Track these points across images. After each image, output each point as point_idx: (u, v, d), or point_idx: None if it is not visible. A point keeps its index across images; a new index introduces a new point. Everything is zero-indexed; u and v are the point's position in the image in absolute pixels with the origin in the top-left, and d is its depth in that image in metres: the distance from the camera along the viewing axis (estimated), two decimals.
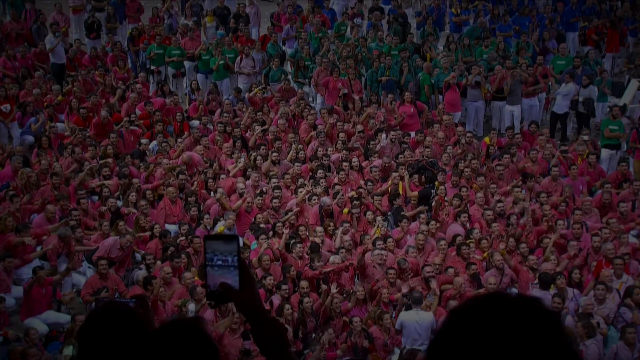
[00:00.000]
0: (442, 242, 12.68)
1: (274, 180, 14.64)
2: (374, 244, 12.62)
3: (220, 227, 13.23)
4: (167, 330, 2.35)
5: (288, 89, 18.85)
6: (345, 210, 13.91)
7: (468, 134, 16.75)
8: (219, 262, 2.52)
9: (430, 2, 23.12)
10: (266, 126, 16.81)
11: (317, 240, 12.77)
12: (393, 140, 16.51)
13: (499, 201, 14.18)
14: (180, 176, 14.58)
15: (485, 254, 12.72)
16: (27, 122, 16.90)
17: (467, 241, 12.87)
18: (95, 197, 14.46)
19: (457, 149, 16.19)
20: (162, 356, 2.27)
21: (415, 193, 14.65)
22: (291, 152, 15.91)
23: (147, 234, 13.17)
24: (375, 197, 14.49)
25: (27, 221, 13.05)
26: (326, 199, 14.03)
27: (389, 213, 14.40)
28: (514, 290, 12.28)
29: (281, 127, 16.68)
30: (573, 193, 14.72)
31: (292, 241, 12.76)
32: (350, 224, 13.49)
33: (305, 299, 11.32)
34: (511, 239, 12.87)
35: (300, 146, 16.13)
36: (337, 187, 14.48)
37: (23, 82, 18.36)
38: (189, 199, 14.02)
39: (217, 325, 10.53)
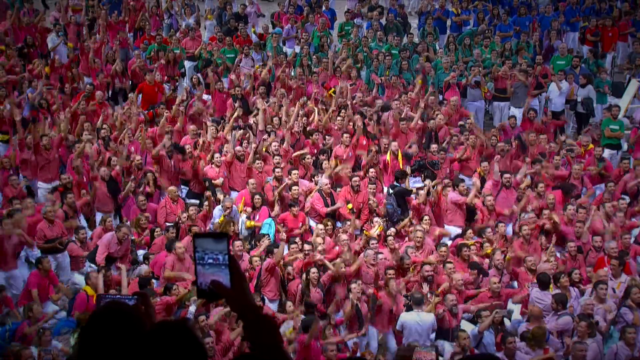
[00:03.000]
0: (443, 249, 12.53)
1: (277, 170, 14.42)
2: (367, 243, 12.61)
3: (221, 218, 13.24)
4: (155, 333, 2.35)
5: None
6: (349, 205, 13.85)
7: (469, 121, 16.69)
8: (210, 261, 2.53)
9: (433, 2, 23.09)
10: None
11: (319, 239, 12.71)
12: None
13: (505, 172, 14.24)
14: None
15: (489, 250, 12.68)
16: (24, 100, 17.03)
17: (469, 242, 12.87)
18: None
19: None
20: (152, 358, 2.28)
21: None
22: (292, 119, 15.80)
23: (147, 236, 13.22)
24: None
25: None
26: (323, 179, 14.00)
27: (389, 190, 14.33)
28: (514, 285, 12.33)
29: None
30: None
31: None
32: (350, 222, 13.46)
33: (312, 269, 11.35)
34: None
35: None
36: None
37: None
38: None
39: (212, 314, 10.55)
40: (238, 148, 14.95)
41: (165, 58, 18.92)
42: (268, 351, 2.48)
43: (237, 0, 23.59)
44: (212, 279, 2.52)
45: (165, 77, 18.56)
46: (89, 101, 16.53)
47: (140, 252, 12.97)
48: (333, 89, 17.65)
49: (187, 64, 20.16)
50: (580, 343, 10.17)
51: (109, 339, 2.65)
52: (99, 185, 13.74)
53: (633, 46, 20.58)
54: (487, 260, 12.70)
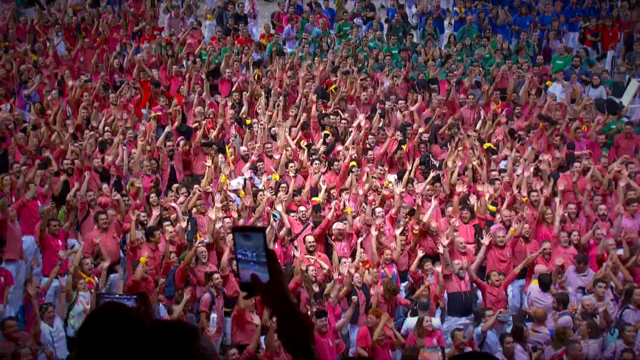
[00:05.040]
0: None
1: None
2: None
3: (222, 177, 13.33)
4: (153, 334, 2.37)
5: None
6: (353, 162, 13.94)
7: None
8: (245, 257, 2.60)
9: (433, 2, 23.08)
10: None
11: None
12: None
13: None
14: None
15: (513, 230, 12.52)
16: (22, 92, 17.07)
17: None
18: None
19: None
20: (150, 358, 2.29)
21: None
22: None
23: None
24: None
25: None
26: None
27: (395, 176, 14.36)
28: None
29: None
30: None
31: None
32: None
33: (310, 267, 11.47)
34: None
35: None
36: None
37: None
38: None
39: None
40: (242, 148, 14.95)
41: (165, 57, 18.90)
42: (298, 348, 2.49)
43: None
44: (251, 273, 2.58)
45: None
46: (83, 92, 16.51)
47: None
48: (334, 86, 17.66)
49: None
50: (577, 342, 10.15)
51: (108, 339, 2.64)
52: (92, 176, 13.53)
53: (633, 46, 20.57)
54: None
